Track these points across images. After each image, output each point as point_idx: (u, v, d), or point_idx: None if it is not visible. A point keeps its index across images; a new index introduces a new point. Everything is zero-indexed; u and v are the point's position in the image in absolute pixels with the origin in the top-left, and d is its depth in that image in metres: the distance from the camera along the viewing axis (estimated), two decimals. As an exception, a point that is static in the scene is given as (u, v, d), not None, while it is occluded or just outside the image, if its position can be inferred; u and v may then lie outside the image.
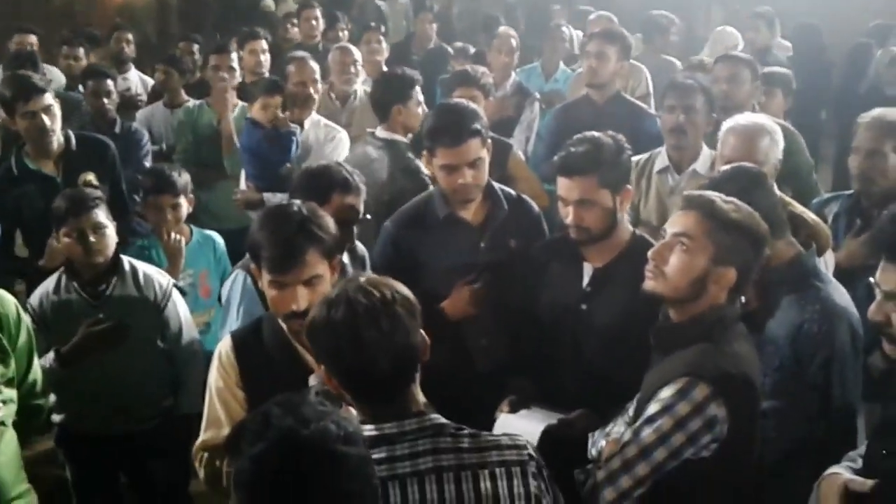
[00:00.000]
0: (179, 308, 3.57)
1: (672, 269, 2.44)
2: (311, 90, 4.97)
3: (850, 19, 9.38)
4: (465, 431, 2.04)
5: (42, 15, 13.25)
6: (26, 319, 2.73)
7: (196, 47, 7.31)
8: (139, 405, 3.54)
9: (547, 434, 2.81)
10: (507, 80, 6.08)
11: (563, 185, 3.00)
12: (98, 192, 3.62)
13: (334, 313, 1.97)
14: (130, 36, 7.43)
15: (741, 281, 2.42)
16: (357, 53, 5.77)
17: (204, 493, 2.84)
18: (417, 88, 4.31)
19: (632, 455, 2.33)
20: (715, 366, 2.33)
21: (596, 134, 3.07)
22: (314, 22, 7.50)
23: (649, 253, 2.51)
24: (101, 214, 3.42)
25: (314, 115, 5.04)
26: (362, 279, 2.04)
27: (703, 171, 3.98)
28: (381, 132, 4.28)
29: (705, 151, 4.05)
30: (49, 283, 3.46)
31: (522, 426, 2.88)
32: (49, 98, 4.15)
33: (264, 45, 6.28)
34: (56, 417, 3.39)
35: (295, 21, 7.91)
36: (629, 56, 5.23)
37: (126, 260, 3.52)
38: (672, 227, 2.49)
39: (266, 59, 6.19)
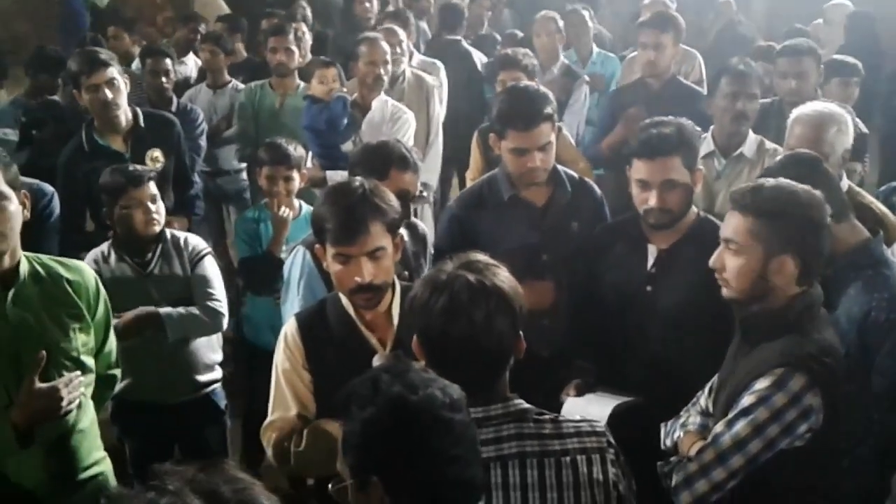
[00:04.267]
0: (209, 271, 3.64)
1: (730, 274, 2.45)
2: (381, 71, 4.99)
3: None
4: (547, 417, 2.07)
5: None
6: (103, 291, 2.80)
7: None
8: (190, 374, 3.66)
9: (614, 417, 2.83)
10: (554, 64, 6.07)
11: (646, 168, 3.00)
12: (150, 168, 3.77)
13: (434, 301, 2.00)
14: (203, 27, 7.53)
15: (808, 263, 2.39)
16: (402, 34, 5.79)
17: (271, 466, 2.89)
18: None
19: (726, 447, 2.33)
20: (810, 356, 2.33)
21: (667, 118, 3.09)
22: (367, 4, 7.56)
23: (711, 264, 2.50)
24: (155, 187, 3.58)
25: (382, 95, 5.07)
26: (473, 273, 2.03)
27: (750, 155, 3.98)
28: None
29: (751, 136, 4.05)
30: (97, 253, 3.58)
31: (589, 409, 2.91)
32: (112, 72, 4.20)
33: (303, 27, 6.36)
34: None
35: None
36: (682, 40, 5.21)
37: (168, 231, 3.66)
38: (722, 231, 2.49)
39: (304, 40, 6.25)
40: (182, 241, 3.65)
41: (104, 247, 3.62)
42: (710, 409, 2.64)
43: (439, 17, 7.02)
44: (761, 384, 2.33)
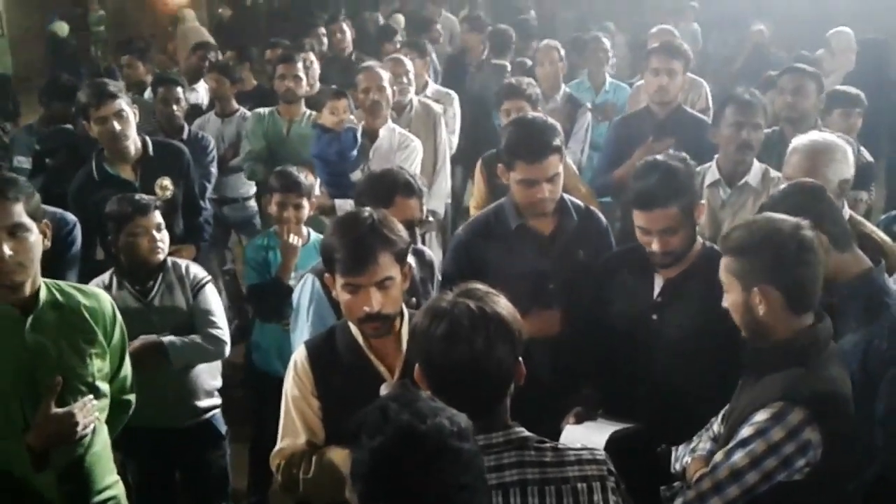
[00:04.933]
0: (211, 299, 3.71)
1: (731, 312, 2.53)
2: (376, 96, 5.04)
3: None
4: (548, 445, 2.09)
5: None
6: (120, 317, 2.85)
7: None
8: (191, 400, 3.72)
9: (611, 443, 2.85)
10: (556, 92, 6.14)
11: (644, 218, 3.03)
12: (158, 196, 3.92)
13: (435, 328, 2.04)
14: (213, 54, 7.64)
15: (790, 291, 2.43)
16: (409, 64, 5.86)
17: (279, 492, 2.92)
18: None
19: (723, 476, 2.35)
20: (811, 390, 2.35)
21: (660, 159, 3.10)
22: (339, 35, 7.74)
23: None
24: (160, 216, 3.68)
25: (390, 124, 5.13)
26: (473, 301, 2.07)
27: (755, 184, 4.02)
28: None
29: (756, 165, 4.08)
30: (99, 281, 3.62)
31: (587, 437, 2.92)
32: (120, 104, 4.26)
33: (311, 56, 6.48)
34: None
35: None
36: (689, 68, 5.26)
37: (170, 260, 3.72)
38: None
39: (313, 69, 6.39)
40: (183, 270, 3.71)
41: (106, 276, 3.68)
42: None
43: (489, 41, 7.38)
44: (761, 416, 2.36)
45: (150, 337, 3.51)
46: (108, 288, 3.59)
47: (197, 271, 3.75)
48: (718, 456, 2.41)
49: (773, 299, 2.42)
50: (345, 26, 7.92)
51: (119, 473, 2.96)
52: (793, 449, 2.32)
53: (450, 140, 6.15)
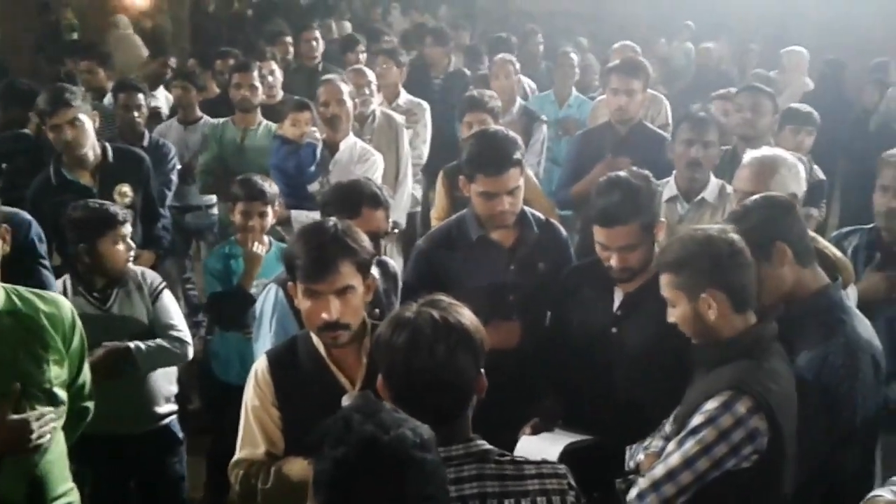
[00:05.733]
0: (169, 304, 3.72)
1: (680, 325, 2.66)
2: (337, 110, 5.02)
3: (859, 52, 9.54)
4: (508, 458, 2.10)
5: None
6: (80, 324, 2.82)
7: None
8: (149, 406, 3.71)
9: (566, 454, 2.89)
10: (512, 105, 6.18)
11: (604, 235, 3.07)
12: (119, 202, 3.95)
13: (396, 337, 2.05)
14: (174, 60, 7.58)
15: (734, 291, 2.56)
16: (371, 75, 5.88)
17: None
18: None
19: (675, 464, 2.45)
20: (757, 380, 2.47)
21: (622, 175, 3.13)
22: (314, 43, 7.69)
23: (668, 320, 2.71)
24: (129, 225, 3.69)
25: (351, 137, 5.13)
26: (437, 310, 2.08)
27: (712, 200, 4.10)
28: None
29: (713, 181, 4.15)
30: (57, 288, 3.60)
31: (543, 448, 2.95)
32: (76, 111, 4.24)
33: (272, 65, 6.48)
34: None
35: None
36: (649, 85, 5.31)
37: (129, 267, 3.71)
38: None
39: (274, 78, 6.38)
40: (140, 277, 3.71)
41: (59, 282, 3.65)
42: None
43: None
44: (710, 405, 2.47)
45: (116, 343, 3.48)
46: (63, 294, 3.53)
47: (153, 277, 3.75)
48: (671, 445, 2.51)
49: (720, 302, 2.56)
50: (317, 34, 7.85)
51: (73, 481, 2.94)
52: (742, 436, 2.43)
53: (421, 150, 6.19)
